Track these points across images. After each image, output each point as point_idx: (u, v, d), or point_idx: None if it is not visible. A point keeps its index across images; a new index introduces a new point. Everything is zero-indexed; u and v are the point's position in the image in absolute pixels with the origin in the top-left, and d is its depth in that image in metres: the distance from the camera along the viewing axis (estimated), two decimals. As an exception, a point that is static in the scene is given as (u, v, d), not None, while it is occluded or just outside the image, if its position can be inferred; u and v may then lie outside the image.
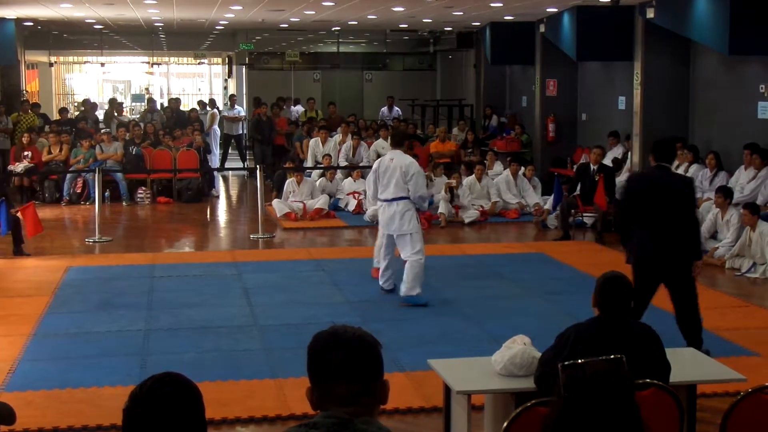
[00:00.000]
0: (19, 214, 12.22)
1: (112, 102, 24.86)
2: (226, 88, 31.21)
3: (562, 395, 2.77)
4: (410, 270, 9.28)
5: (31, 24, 22.48)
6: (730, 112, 13.59)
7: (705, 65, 14.28)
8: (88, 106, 23.29)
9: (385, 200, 9.47)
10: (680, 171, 13.76)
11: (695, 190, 7.98)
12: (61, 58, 31.99)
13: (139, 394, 2.51)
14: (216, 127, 21.71)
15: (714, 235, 11.87)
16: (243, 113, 22.93)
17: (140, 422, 2.48)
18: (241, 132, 22.38)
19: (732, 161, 13.13)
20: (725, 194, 11.71)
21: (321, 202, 15.13)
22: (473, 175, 15.39)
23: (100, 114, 23.49)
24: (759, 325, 8.84)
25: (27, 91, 23.53)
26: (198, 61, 33.36)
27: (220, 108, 23.34)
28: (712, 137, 14.02)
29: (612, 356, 3.01)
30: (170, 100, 25.56)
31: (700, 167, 13.42)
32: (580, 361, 2.87)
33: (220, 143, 21.83)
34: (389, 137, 10.36)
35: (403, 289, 9.32)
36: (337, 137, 18.27)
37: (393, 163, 9.45)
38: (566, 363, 2.85)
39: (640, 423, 2.75)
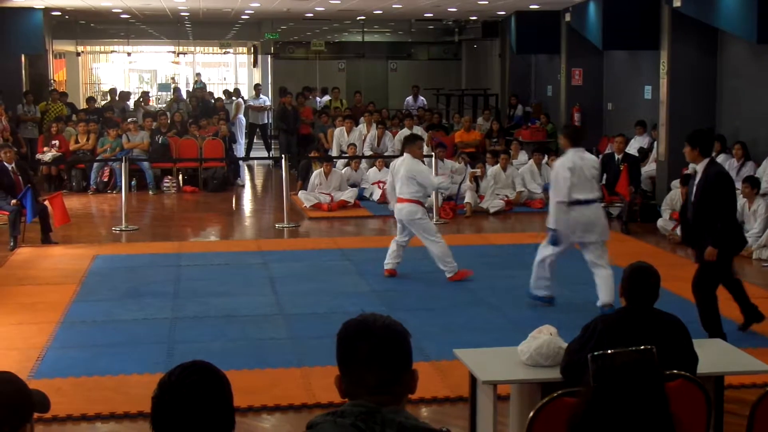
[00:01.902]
0: (47, 203, 12.33)
1: (143, 94, 24.99)
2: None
3: (591, 385, 2.76)
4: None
5: (59, 14, 22.61)
6: (758, 101, 13.47)
7: (732, 54, 14.15)
8: (115, 95, 23.40)
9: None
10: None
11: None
12: (88, 48, 32.14)
13: (168, 382, 2.54)
14: (241, 116, 21.76)
15: (741, 226, 11.78)
16: (268, 103, 22.97)
17: (169, 410, 2.51)
18: (266, 121, 22.42)
19: (759, 151, 13.02)
20: (752, 184, 11.62)
21: (347, 195, 15.12)
22: (498, 165, 15.36)
23: (130, 103, 23.59)
24: (787, 316, 8.76)
25: (55, 81, 23.68)
26: (224, 50, 33.43)
27: (245, 97, 23.38)
28: (739, 127, 13.91)
29: (642, 347, 3.00)
30: (195, 89, 25.63)
31: (727, 157, 13.31)
32: (609, 351, 2.86)
33: (245, 132, 21.88)
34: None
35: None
36: (363, 126, 18.29)
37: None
38: (596, 353, 2.84)
39: (669, 414, 2.74)
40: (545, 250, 8.83)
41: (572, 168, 8.48)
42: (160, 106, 24.98)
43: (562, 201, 8.48)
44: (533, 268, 8.95)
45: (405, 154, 10.11)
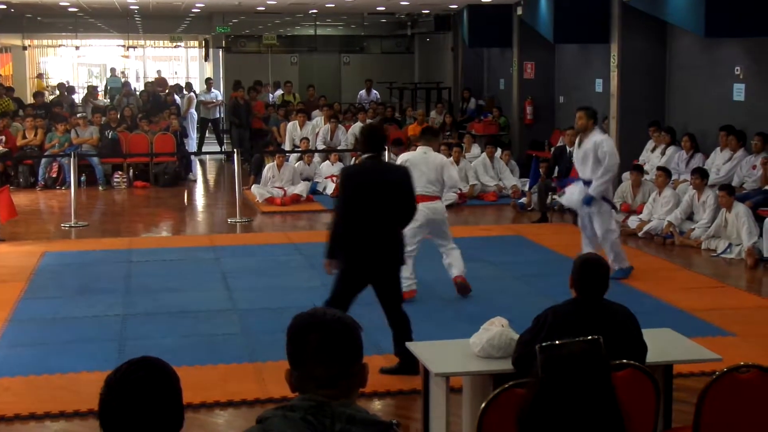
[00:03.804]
0: (-7, 199, 12.14)
1: (90, 89, 24.69)
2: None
3: (539, 376, 2.78)
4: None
5: (4, 7, 22.23)
6: (706, 94, 13.65)
7: (681, 47, 14.32)
8: (64, 90, 23.10)
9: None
10: (657, 152, 13.86)
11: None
12: (35, 42, 31.68)
13: (115, 378, 2.50)
14: (193, 110, 21.59)
15: (690, 217, 11.94)
16: (220, 97, 22.80)
17: (116, 406, 2.47)
18: (218, 116, 22.26)
19: (708, 143, 13.20)
20: (701, 175, 11.77)
21: (300, 188, 15.08)
22: (451, 158, 15.39)
23: (77, 98, 23.29)
24: (734, 305, 8.91)
25: (0, 75, 23.30)
26: (174, 44, 33.14)
27: (197, 92, 23.19)
28: (688, 119, 14.08)
29: (589, 337, 3.02)
30: (147, 84, 25.39)
31: (676, 149, 13.49)
32: (557, 342, 2.88)
33: (197, 127, 21.72)
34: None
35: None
36: (317, 120, 18.24)
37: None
38: (544, 344, 2.86)
39: (617, 403, 2.77)
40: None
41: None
42: (105, 101, 24.63)
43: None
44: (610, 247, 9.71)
45: (423, 147, 9.02)
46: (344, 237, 6.80)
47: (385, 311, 6.96)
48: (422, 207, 8.35)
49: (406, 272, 8.40)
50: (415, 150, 9.28)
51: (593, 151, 9.47)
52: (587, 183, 9.66)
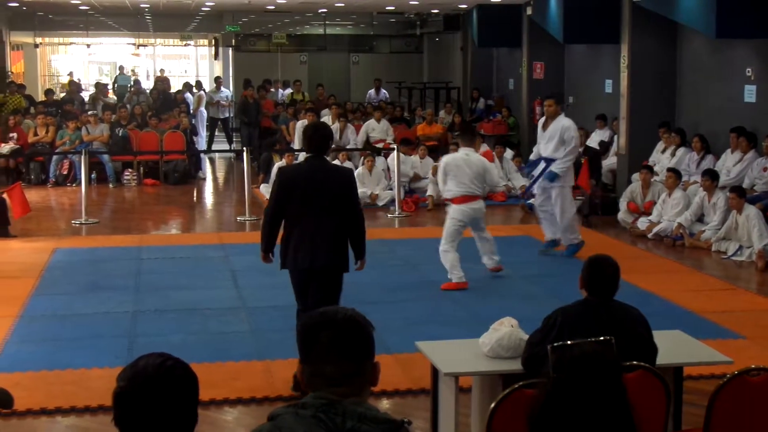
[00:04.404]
0: (5, 196, 12.17)
1: (98, 86, 24.74)
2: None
3: (550, 376, 2.78)
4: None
5: (16, 5, 22.31)
6: (717, 95, 13.61)
7: (692, 48, 14.29)
8: (74, 87, 23.16)
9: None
10: (667, 154, 13.82)
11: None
12: (47, 40, 31.77)
13: (135, 373, 2.47)
14: (203, 109, 21.63)
15: (700, 218, 11.91)
16: (230, 96, 22.81)
17: (136, 402, 2.44)
18: (227, 115, 22.27)
19: (718, 144, 13.16)
20: (712, 177, 11.74)
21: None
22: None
23: (84, 95, 23.35)
24: (745, 307, 8.89)
25: (12, 73, 23.39)
26: (184, 42, 33.20)
27: (207, 90, 23.23)
28: (698, 120, 14.05)
29: (601, 338, 3.02)
30: (157, 81, 25.43)
31: (686, 150, 13.45)
32: (569, 342, 2.88)
33: (206, 125, 21.76)
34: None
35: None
36: (325, 119, 18.24)
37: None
38: (555, 344, 2.86)
39: (628, 405, 2.77)
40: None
41: None
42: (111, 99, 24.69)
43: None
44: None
45: (465, 149, 9.55)
46: (271, 234, 6.62)
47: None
48: (466, 207, 9.40)
49: (454, 265, 9.31)
50: (455, 151, 9.77)
51: (560, 133, 10.58)
52: (548, 161, 10.67)
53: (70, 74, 33.18)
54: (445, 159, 9.75)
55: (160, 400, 2.44)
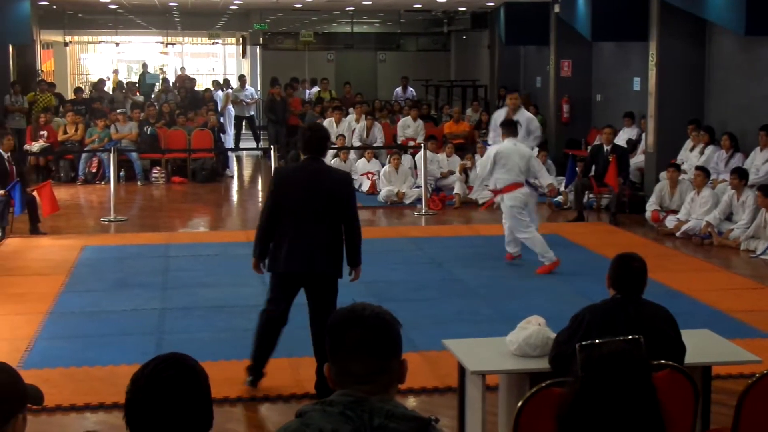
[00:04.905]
0: (35, 194, 12.29)
1: (120, 84, 24.89)
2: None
3: (579, 375, 2.77)
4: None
5: (47, 3, 22.49)
6: (746, 93, 13.50)
7: (721, 46, 14.18)
8: (102, 86, 23.33)
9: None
10: (695, 152, 13.73)
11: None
12: (76, 38, 32.00)
13: (142, 375, 2.51)
14: (231, 107, 21.71)
15: (729, 217, 11.83)
16: (256, 95, 22.85)
17: (144, 404, 2.48)
18: (252, 113, 22.29)
19: (747, 142, 13.06)
20: (740, 176, 11.66)
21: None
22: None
23: (107, 90, 23.54)
24: (774, 307, 8.81)
25: (42, 71, 23.57)
26: (212, 41, 33.33)
27: (234, 88, 23.31)
28: (727, 118, 13.94)
29: (629, 337, 3.01)
30: (184, 79, 25.54)
31: (715, 148, 13.35)
32: (597, 341, 2.87)
33: (233, 123, 21.83)
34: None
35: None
36: (352, 117, 18.30)
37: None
38: (584, 343, 2.85)
39: (657, 404, 2.75)
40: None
41: None
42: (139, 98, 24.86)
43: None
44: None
45: (511, 139, 10.06)
46: (266, 239, 6.44)
47: (310, 318, 6.53)
48: (517, 193, 9.90)
49: (545, 248, 9.86)
50: (503, 141, 10.17)
51: (525, 123, 11.59)
52: None
53: (115, 72, 33.54)
54: (496, 148, 10.14)
55: (168, 402, 2.47)
